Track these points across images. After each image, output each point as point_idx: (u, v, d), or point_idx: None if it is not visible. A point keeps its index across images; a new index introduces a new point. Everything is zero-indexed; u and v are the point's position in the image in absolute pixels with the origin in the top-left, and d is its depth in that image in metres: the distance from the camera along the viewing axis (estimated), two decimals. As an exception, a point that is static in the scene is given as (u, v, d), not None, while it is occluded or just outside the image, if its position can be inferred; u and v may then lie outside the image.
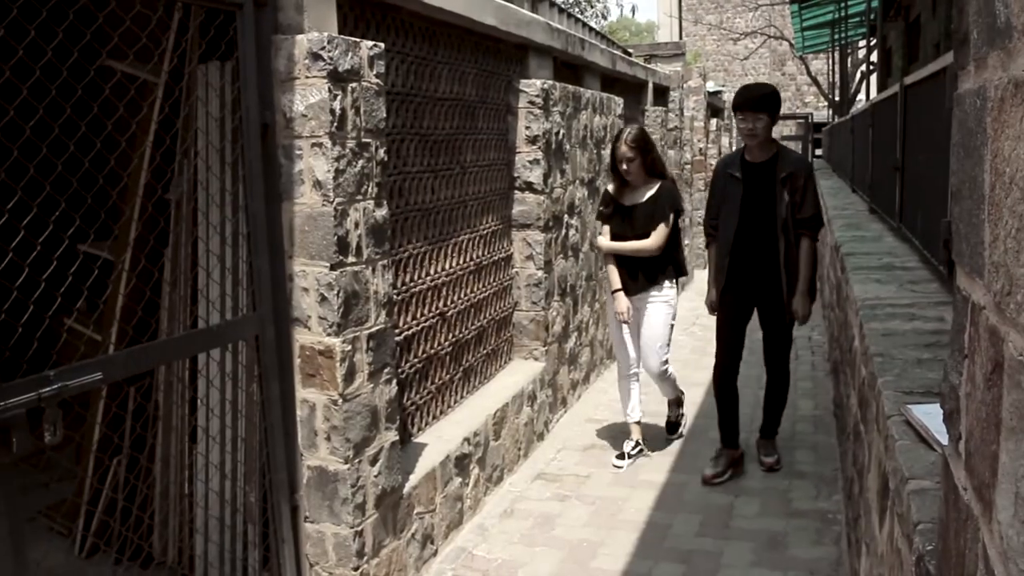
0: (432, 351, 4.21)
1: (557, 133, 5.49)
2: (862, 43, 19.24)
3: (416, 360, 4.04)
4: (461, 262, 4.54)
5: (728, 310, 4.71)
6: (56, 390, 2.25)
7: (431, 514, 3.75)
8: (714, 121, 14.89)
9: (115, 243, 3.47)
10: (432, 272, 4.21)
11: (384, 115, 3.31)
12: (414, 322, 4.03)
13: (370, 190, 3.21)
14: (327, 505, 3.15)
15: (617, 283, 4.89)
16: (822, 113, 23.52)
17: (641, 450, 5.08)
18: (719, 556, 3.80)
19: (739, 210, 4.50)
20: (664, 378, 5.07)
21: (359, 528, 3.18)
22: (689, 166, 12.00)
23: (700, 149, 13.12)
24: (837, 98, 17.63)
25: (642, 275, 4.85)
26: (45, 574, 3.15)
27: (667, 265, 4.90)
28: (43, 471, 3.79)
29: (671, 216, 4.80)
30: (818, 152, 17.62)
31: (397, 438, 3.45)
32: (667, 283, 4.92)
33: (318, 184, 2.98)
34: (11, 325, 2.33)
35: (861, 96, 19.07)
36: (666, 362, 5.02)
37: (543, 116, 5.20)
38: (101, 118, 2.78)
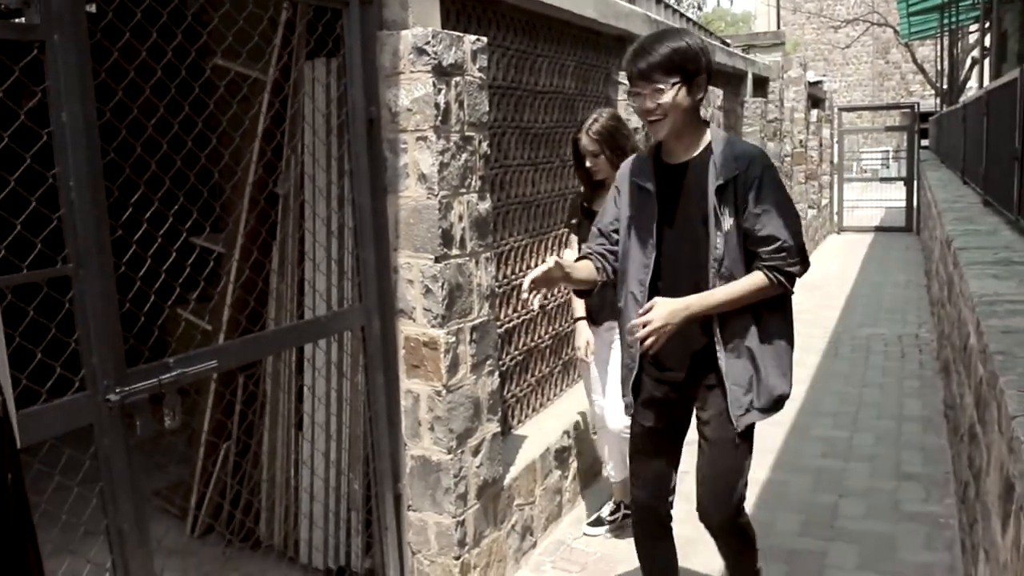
0: (532, 344, 4.22)
1: (656, 125, 5.42)
2: (974, 27, 18.44)
3: (517, 352, 4.06)
4: (562, 254, 4.53)
5: (646, 422, 2.81)
6: (175, 377, 2.33)
7: (531, 506, 3.77)
8: (814, 112, 14.51)
9: (227, 236, 3.59)
10: (533, 265, 4.22)
11: (487, 108, 3.33)
12: (515, 315, 4.05)
13: (473, 183, 3.23)
14: (430, 494, 3.19)
15: (580, 310, 3.80)
16: (929, 102, 22.67)
17: (625, 514, 3.93)
18: (823, 557, 3.71)
19: (652, 244, 2.62)
20: (622, 435, 3.59)
21: (461, 518, 3.22)
22: (789, 158, 11.73)
23: (800, 141, 12.81)
24: (945, 86, 16.96)
25: (609, 300, 3.33)
26: (163, 551, 3.28)
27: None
28: (161, 454, 3.95)
29: None
30: (924, 143, 16.98)
31: (499, 429, 3.47)
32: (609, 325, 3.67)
33: (423, 177, 3.02)
34: (133, 314, 2.43)
35: (972, 84, 18.29)
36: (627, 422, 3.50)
37: (642, 108, 5.14)
38: (217, 115, 2.87)
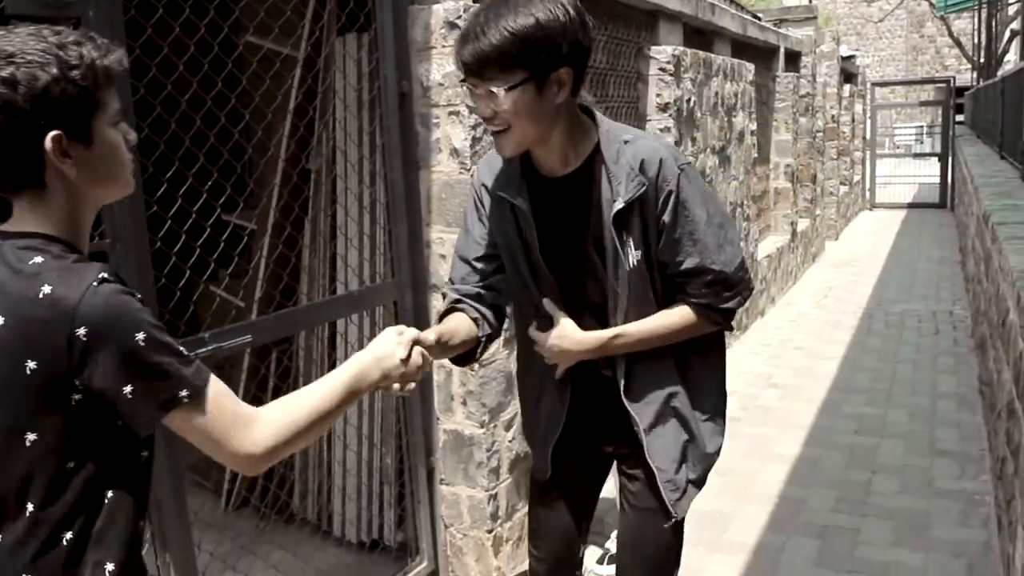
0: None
1: (688, 100, 5.38)
2: None
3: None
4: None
5: (558, 475, 2.14)
6: (211, 351, 2.35)
7: (562, 481, 3.77)
8: (847, 87, 14.31)
9: (260, 212, 3.61)
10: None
11: (518, 83, 3.31)
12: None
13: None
14: (462, 468, 3.21)
15: None
16: (964, 76, 22.27)
17: None
18: (856, 533, 3.69)
19: (534, 286, 1.94)
20: None
21: (493, 492, 3.23)
22: (821, 133, 11.58)
23: (833, 116, 12.64)
24: (983, 59, 16.64)
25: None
26: (199, 524, 3.32)
27: None
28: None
29: None
30: (959, 118, 16.68)
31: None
32: None
33: (455, 152, 3.01)
34: (168, 290, 2.45)
35: (1010, 57, 17.94)
36: None
37: (674, 83, 5.10)
38: (249, 91, 2.88)
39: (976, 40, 18.67)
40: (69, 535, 1.21)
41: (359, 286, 3.32)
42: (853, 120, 15.19)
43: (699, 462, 2.01)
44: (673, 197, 1.81)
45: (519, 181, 1.88)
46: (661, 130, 5.10)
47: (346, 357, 3.43)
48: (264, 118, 3.02)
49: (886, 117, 23.74)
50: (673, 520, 2.00)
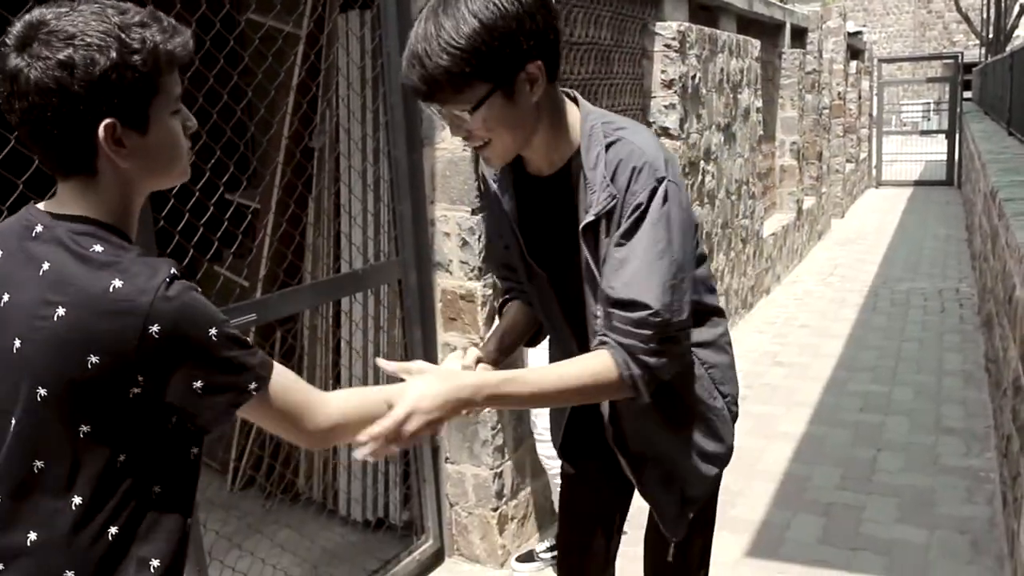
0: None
1: (693, 77, 5.34)
2: (1020, -25, 17.89)
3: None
4: None
5: (578, 467, 2.06)
6: (215, 330, 2.35)
7: (567, 459, 3.78)
8: (854, 64, 14.21)
9: (264, 190, 3.59)
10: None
11: (522, 59, 3.28)
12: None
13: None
14: (467, 447, 3.21)
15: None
16: (973, 52, 22.09)
17: None
18: (861, 510, 3.70)
19: (532, 276, 1.78)
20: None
21: (499, 470, 3.24)
22: (827, 111, 11.51)
23: (839, 93, 12.56)
24: (991, 35, 16.51)
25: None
26: (205, 504, 3.34)
27: None
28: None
29: None
30: (967, 95, 16.58)
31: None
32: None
33: (458, 129, 2.99)
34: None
35: (1019, 32, 17.79)
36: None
37: (679, 60, 5.06)
38: (252, 68, 2.86)
39: (985, 15, 18.51)
40: (115, 530, 1.18)
41: (363, 264, 3.31)
42: (860, 97, 15.10)
43: (696, 484, 1.82)
44: (639, 211, 1.52)
45: (508, 178, 1.74)
46: (666, 107, 5.07)
47: (351, 336, 3.45)
48: (267, 96, 3.00)
49: (893, 94, 23.60)
50: (673, 543, 1.87)
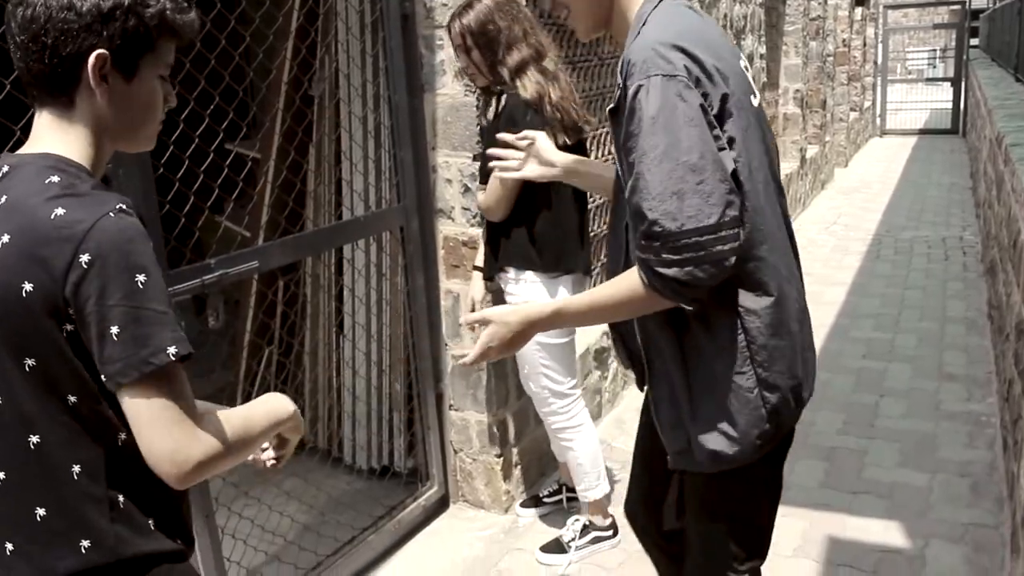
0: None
1: (696, 22, 5.25)
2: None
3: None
4: (600, 156, 4.46)
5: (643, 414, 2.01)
6: (217, 277, 2.35)
7: (570, 406, 3.79)
8: (859, 10, 13.99)
9: (264, 136, 3.56)
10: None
11: (524, 2, 3.23)
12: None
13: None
14: (471, 394, 3.22)
15: (479, 258, 3.00)
16: (980, -1, 21.75)
17: (599, 535, 3.08)
18: (863, 455, 3.72)
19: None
20: (563, 425, 2.99)
21: (502, 416, 3.25)
22: (831, 58, 11.37)
23: (844, 40, 12.40)
24: (998, -20, 16.23)
25: (490, 252, 2.86)
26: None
27: (521, 243, 2.75)
28: (205, 360, 4.01)
29: None
30: (974, 42, 16.34)
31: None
32: (523, 274, 2.79)
33: (460, 74, 2.95)
34: (173, 217, 2.43)
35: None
36: (558, 404, 2.93)
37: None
38: (249, 13, 2.81)
39: (992, -40, 18.20)
40: (77, 468, 1.18)
41: (365, 212, 3.29)
42: (864, 44, 14.90)
43: (696, 447, 1.65)
44: (630, 112, 1.46)
45: None
46: (669, 53, 4.99)
47: (353, 284, 3.44)
48: (265, 42, 2.96)
49: (898, 41, 23.30)
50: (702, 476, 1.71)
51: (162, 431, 1.12)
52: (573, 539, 3.01)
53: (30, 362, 1.14)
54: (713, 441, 1.62)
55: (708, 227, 1.43)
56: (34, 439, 1.17)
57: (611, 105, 1.56)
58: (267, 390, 3.80)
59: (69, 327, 1.13)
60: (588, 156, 2.86)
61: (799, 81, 9.21)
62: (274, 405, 1.37)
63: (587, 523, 3.05)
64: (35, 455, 1.17)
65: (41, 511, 1.18)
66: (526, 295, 2.78)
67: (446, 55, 2.97)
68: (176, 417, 1.13)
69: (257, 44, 2.95)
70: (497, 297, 2.97)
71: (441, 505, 3.35)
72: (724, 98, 1.49)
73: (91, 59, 1.17)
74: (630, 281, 1.53)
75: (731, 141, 1.50)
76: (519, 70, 2.64)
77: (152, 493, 1.23)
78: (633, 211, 1.49)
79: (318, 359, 3.71)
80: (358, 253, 3.40)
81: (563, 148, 2.46)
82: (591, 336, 4.03)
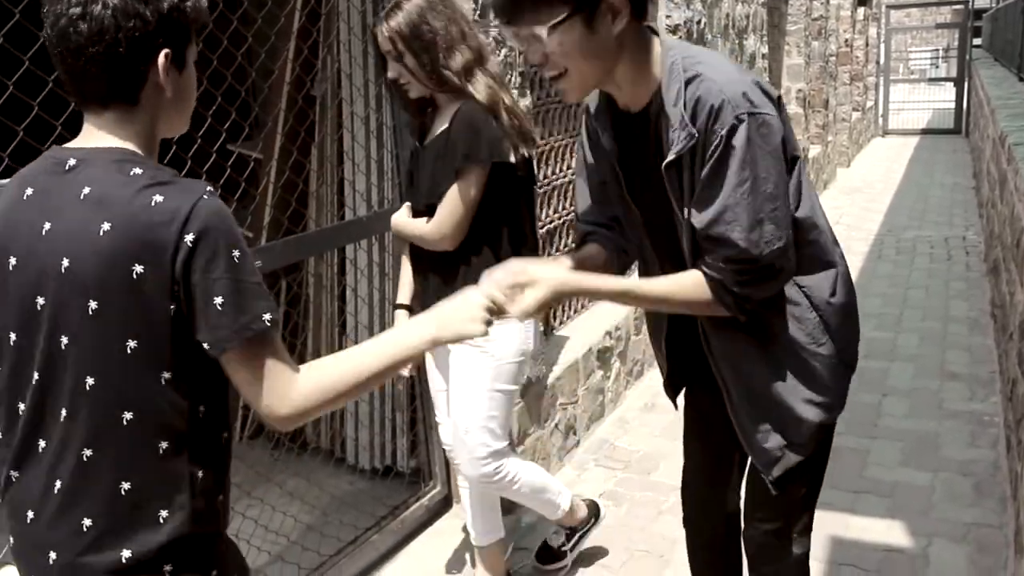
0: (574, 244, 4.19)
1: (699, 22, 5.26)
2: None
3: (558, 253, 4.04)
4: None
5: (693, 402, 2.14)
6: (220, 276, 2.34)
7: (573, 406, 3.80)
8: (861, 10, 13.99)
9: (266, 137, 3.57)
10: (573, 165, 4.16)
11: (525, 2, 3.23)
12: (556, 215, 4.01)
13: (513, 79, 3.16)
14: (473, 393, 3.21)
15: (403, 294, 2.67)
16: (983, -2, 21.74)
17: (584, 531, 2.98)
18: (866, 454, 3.72)
19: (628, 212, 1.81)
20: (493, 488, 2.66)
21: (505, 416, 3.25)
22: (834, 58, 11.37)
23: (846, 40, 12.40)
24: (1001, -20, 16.22)
25: (433, 284, 2.46)
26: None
27: (485, 268, 1.82)
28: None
29: (472, 172, 2.32)
30: (976, 41, 16.34)
31: (541, 329, 3.48)
32: None
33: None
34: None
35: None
36: (493, 466, 2.56)
37: (684, 4, 4.99)
38: (251, 14, 2.82)
39: (995, -40, 18.18)
40: (165, 444, 1.25)
41: (367, 212, 3.29)
42: (867, 44, 14.90)
43: (794, 429, 1.77)
44: (720, 148, 1.52)
45: (607, 115, 1.73)
46: (671, 53, 5.00)
47: (356, 284, 3.45)
48: (267, 42, 2.96)
49: (901, 41, 23.29)
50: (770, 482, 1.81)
51: (264, 387, 1.26)
52: (563, 544, 2.92)
53: (132, 344, 1.22)
54: (814, 414, 1.76)
55: (779, 249, 1.58)
56: (127, 416, 1.24)
57: (674, 155, 1.57)
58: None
59: (173, 307, 1.22)
60: (536, 176, 2.64)
61: (801, 81, 9.21)
62: (400, 345, 1.42)
63: (569, 529, 2.94)
64: (126, 431, 1.24)
65: (126, 485, 1.25)
66: (498, 329, 2.18)
67: (448, 55, 2.96)
68: (275, 373, 1.26)
69: (259, 44, 2.96)
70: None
71: (444, 505, 3.34)
72: (785, 120, 1.62)
73: (161, 60, 1.26)
74: (694, 285, 1.63)
75: (794, 159, 1.64)
76: (467, 73, 2.33)
77: (223, 470, 1.35)
78: (714, 238, 1.57)
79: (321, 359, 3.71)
80: (360, 253, 3.41)
81: (521, 163, 2.38)
82: (593, 336, 4.03)
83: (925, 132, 16.22)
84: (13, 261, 1.25)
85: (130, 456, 1.25)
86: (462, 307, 1.48)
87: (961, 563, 2.92)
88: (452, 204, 2.32)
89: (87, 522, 1.24)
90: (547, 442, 3.57)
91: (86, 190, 1.22)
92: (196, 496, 1.29)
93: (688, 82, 1.55)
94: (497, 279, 1.55)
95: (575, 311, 4.27)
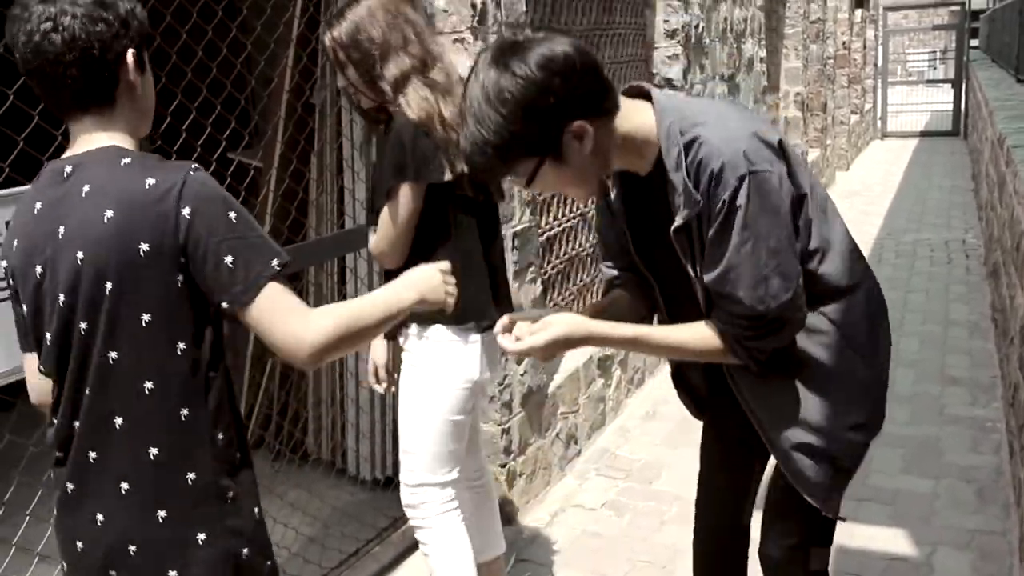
0: (574, 252, 4.17)
1: (696, 27, 5.25)
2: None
3: (558, 261, 4.02)
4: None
5: (712, 428, 2.16)
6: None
7: (574, 415, 3.78)
8: (859, 12, 14.00)
9: (266, 145, 3.55)
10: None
11: (524, 8, 3.23)
12: (556, 223, 4.00)
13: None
14: (474, 402, 3.20)
15: None
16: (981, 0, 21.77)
17: None
18: (867, 462, 3.61)
19: (641, 265, 1.85)
20: (412, 522, 2.47)
21: (506, 426, 3.24)
22: (832, 60, 11.37)
23: (844, 43, 12.40)
24: (997, -18, 16.24)
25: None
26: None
27: None
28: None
29: (400, 190, 2.20)
30: (974, 43, 16.35)
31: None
32: (427, 330, 2.30)
33: (460, 80, 2.94)
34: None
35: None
36: (416, 499, 2.40)
37: (682, 8, 4.98)
38: (251, 22, 2.81)
39: (991, -39, 18.21)
40: (186, 411, 1.38)
41: (367, 221, 3.28)
42: (864, 46, 14.91)
43: (844, 449, 1.76)
44: (725, 211, 1.54)
45: (616, 176, 1.76)
46: (669, 58, 5.00)
47: (356, 292, 3.43)
48: (267, 49, 2.95)
49: (898, 43, 23.32)
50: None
51: (281, 328, 1.36)
52: None
53: (146, 317, 1.34)
54: (861, 436, 1.76)
55: (787, 301, 1.59)
56: (148, 385, 1.36)
57: (682, 222, 1.59)
58: (270, 401, 3.79)
59: (181, 277, 1.34)
60: (500, 222, 2.44)
61: (799, 84, 9.21)
62: (392, 298, 1.55)
63: None
64: (148, 399, 1.36)
65: (154, 451, 1.37)
66: (432, 355, 2.29)
67: (448, 63, 2.96)
68: (288, 312, 1.37)
69: (259, 52, 2.95)
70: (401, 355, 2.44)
71: (445, 514, 3.32)
72: (790, 158, 1.62)
73: (129, 58, 1.39)
74: (707, 335, 1.66)
75: (803, 198, 1.63)
76: (400, 84, 2.19)
77: (237, 431, 1.47)
78: (721, 295, 1.61)
79: (321, 370, 3.70)
80: (360, 262, 3.39)
81: (462, 181, 2.20)
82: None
83: (924, 134, 16.21)
84: (39, 270, 1.37)
85: (156, 424, 1.37)
86: (431, 276, 1.63)
87: (965, 571, 2.91)
88: (385, 223, 2.24)
89: (124, 486, 1.38)
90: (548, 452, 3.55)
91: (86, 188, 1.34)
92: (220, 460, 1.42)
93: (687, 146, 1.56)
94: (512, 317, 1.64)
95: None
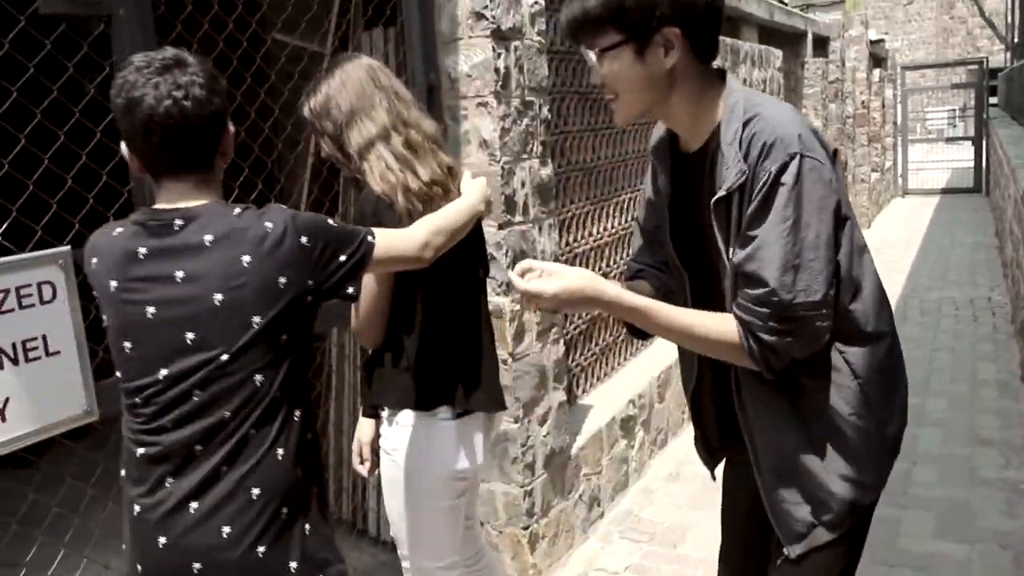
0: (596, 312, 4.17)
1: (717, 88, 5.31)
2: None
3: (580, 321, 4.02)
4: (623, 222, 4.47)
5: (731, 472, 2.05)
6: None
7: (597, 476, 3.74)
8: (876, 72, 14.11)
9: (291, 207, 3.60)
10: (595, 232, 4.16)
11: (546, 73, 3.28)
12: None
13: (535, 148, 3.19)
14: (497, 464, 3.18)
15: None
16: (998, 58, 21.88)
17: None
18: (898, 525, 3.63)
19: (674, 253, 1.79)
20: None
21: (529, 488, 3.21)
22: (851, 119, 11.43)
23: (863, 102, 12.48)
24: (1017, 39, 16.35)
25: (366, 386, 2.32)
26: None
27: (393, 373, 2.16)
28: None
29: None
30: (993, 100, 16.40)
31: (564, 398, 3.45)
32: (397, 415, 2.20)
33: (484, 143, 2.99)
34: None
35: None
36: None
37: (702, 70, 5.04)
38: (278, 87, 2.87)
39: (1009, 19, 18.36)
40: (298, 413, 1.62)
41: (390, 281, 3.30)
42: (883, 105, 14.99)
43: (831, 503, 1.67)
44: (768, 185, 1.49)
45: (666, 153, 1.75)
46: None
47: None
48: (293, 113, 3.00)
49: (917, 101, 23.42)
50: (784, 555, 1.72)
51: (402, 258, 1.83)
52: None
53: (284, 337, 1.56)
54: (847, 491, 1.65)
55: (813, 303, 1.52)
56: (258, 378, 1.54)
57: (724, 192, 1.55)
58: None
59: (309, 298, 1.60)
60: (486, 295, 2.35)
61: (819, 143, 9.24)
62: (464, 203, 2.04)
63: None
64: (260, 391, 1.55)
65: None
66: (404, 441, 2.17)
67: (471, 125, 3.01)
68: (400, 246, 1.82)
69: (286, 116, 3.00)
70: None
71: (467, 578, 3.28)
72: (839, 174, 1.58)
73: (230, 128, 1.63)
74: (725, 327, 1.59)
75: (845, 220, 1.58)
76: (363, 152, 2.09)
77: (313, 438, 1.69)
78: (747, 275, 1.54)
79: (343, 430, 3.69)
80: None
81: (452, 266, 2.10)
82: (617, 405, 3.99)
83: (945, 191, 16.19)
84: (152, 310, 1.52)
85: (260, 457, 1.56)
86: (482, 183, 2.16)
87: (1003, 641, 2.82)
88: (360, 303, 2.09)
89: (194, 507, 1.55)
90: (571, 514, 3.51)
91: (208, 237, 1.52)
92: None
93: (747, 122, 1.55)
94: (525, 265, 1.63)
95: (598, 379, 4.23)
